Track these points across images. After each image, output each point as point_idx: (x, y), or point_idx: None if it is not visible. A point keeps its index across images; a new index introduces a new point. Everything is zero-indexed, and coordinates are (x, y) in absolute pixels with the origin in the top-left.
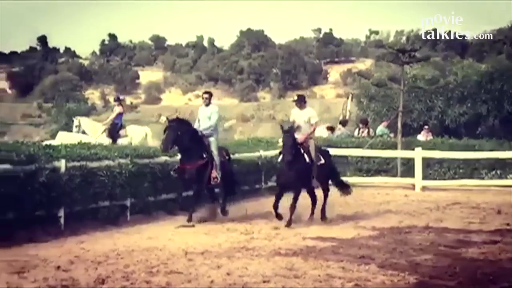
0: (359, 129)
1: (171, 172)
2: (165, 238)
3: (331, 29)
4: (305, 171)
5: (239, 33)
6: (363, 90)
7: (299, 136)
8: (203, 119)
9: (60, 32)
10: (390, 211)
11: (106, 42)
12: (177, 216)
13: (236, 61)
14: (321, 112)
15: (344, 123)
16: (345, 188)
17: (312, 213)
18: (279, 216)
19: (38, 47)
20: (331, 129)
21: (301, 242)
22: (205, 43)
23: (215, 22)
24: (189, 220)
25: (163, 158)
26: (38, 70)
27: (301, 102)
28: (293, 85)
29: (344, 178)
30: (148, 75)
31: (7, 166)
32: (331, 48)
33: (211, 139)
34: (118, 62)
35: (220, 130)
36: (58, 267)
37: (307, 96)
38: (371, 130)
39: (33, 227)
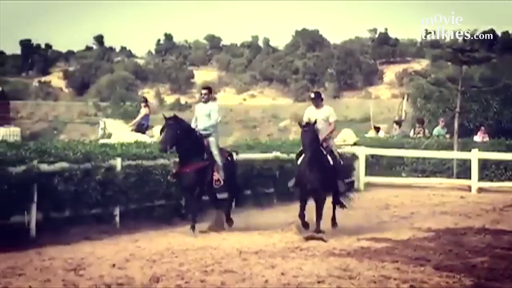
0: (414, 129)
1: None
2: (220, 237)
3: (386, 29)
4: (329, 172)
5: (294, 33)
6: (419, 90)
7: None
8: (201, 118)
9: (116, 32)
10: (445, 212)
11: (162, 41)
12: (233, 215)
13: (291, 61)
14: (377, 113)
15: (399, 123)
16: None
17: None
18: (306, 225)
19: (95, 46)
20: (378, 129)
21: (355, 243)
22: (260, 43)
23: (270, 22)
24: (193, 228)
25: None
26: (94, 69)
27: (318, 99)
28: (348, 85)
29: (399, 179)
30: (203, 75)
31: (64, 165)
32: (386, 48)
33: (210, 139)
34: (173, 61)
35: (219, 130)
36: (114, 265)
37: (362, 96)
38: (426, 130)
39: (89, 225)
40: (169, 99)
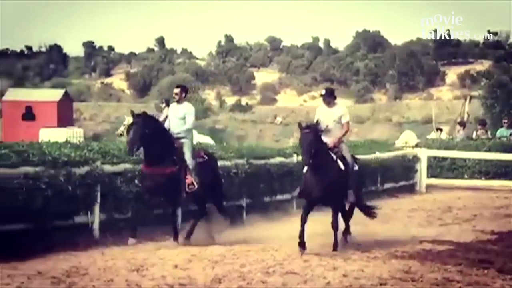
0: (476, 131)
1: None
2: (281, 238)
3: (448, 30)
4: (339, 179)
5: (355, 34)
6: (484, 92)
7: (329, 140)
8: (174, 120)
9: (177, 33)
10: (509, 215)
11: (222, 43)
12: (294, 217)
13: (352, 62)
14: (439, 114)
15: (463, 124)
16: (367, 210)
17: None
18: (302, 244)
19: (156, 48)
20: (440, 130)
21: (417, 245)
22: (321, 44)
23: (330, 23)
24: (175, 239)
25: (279, 159)
26: (156, 71)
27: (330, 97)
28: (409, 86)
29: (461, 181)
30: (264, 76)
31: (127, 166)
32: (448, 49)
33: (184, 140)
34: (234, 63)
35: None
36: (176, 266)
37: (423, 98)
38: (488, 132)
39: (151, 225)
40: (230, 100)
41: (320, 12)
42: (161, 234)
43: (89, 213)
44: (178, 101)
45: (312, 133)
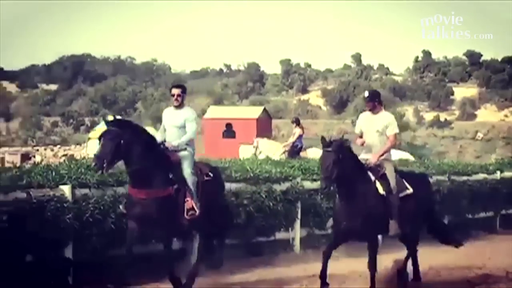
0: None
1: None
2: (484, 256)
3: None
4: (376, 206)
5: None
6: None
7: (368, 156)
8: (171, 129)
9: (374, 50)
10: None
11: (420, 58)
12: (498, 235)
13: None
14: None
15: None
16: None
17: (416, 273)
18: (323, 283)
19: (352, 65)
20: None
21: None
22: None
23: None
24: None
25: (481, 176)
26: (352, 87)
27: (374, 101)
28: None
29: None
30: (463, 91)
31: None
32: None
33: (183, 153)
34: (431, 78)
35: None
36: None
37: None
38: None
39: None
40: (428, 116)
41: None
42: (358, 250)
43: (290, 229)
44: (177, 106)
45: (335, 152)
